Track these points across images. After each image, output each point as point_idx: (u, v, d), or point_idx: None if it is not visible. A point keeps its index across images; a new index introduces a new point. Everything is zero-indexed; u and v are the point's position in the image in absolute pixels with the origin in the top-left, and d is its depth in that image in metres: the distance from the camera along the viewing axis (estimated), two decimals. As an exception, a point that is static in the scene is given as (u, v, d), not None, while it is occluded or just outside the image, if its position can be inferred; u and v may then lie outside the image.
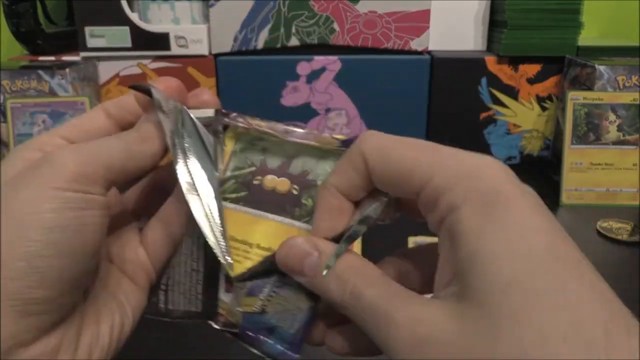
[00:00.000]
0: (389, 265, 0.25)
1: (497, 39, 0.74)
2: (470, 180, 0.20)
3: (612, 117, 0.66)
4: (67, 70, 0.65)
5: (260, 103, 0.73)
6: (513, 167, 0.21)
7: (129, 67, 0.71)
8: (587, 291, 0.18)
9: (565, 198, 0.66)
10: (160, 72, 0.71)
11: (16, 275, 0.19)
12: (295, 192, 0.26)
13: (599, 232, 0.58)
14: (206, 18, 0.71)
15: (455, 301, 0.19)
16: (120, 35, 0.69)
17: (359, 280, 0.22)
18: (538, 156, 0.77)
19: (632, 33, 0.89)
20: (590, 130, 0.66)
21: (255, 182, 0.27)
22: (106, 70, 0.72)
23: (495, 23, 0.75)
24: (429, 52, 0.74)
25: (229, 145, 0.27)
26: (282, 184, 0.27)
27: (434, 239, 0.22)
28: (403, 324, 0.20)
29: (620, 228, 0.59)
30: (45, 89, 0.65)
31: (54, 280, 0.20)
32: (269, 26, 0.70)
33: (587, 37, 0.77)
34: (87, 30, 0.69)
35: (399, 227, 0.28)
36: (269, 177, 0.27)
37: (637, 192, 0.66)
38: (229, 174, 0.27)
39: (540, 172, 0.74)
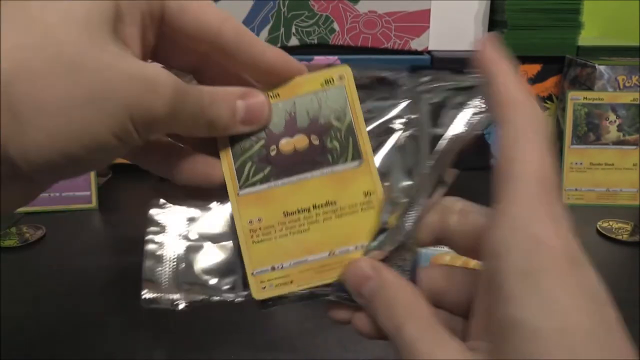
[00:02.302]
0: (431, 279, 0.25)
1: (497, 39, 0.74)
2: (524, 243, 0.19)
3: (612, 117, 0.66)
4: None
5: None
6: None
7: (129, 67, 0.71)
8: None
9: (565, 198, 0.66)
10: (160, 72, 0.71)
11: None
12: (316, 142, 0.25)
13: (599, 232, 0.58)
14: (206, 18, 0.71)
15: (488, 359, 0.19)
16: (120, 35, 0.69)
17: (405, 314, 0.22)
18: (538, 156, 0.77)
19: (632, 33, 0.89)
20: (590, 130, 0.66)
21: (271, 153, 0.25)
22: (106, 70, 0.72)
23: (495, 23, 0.75)
24: (429, 52, 0.74)
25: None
26: (299, 141, 0.25)
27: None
28: None
29: (620, 228, 0.59)
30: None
31: None
32: (268, 26, 0.70)
33: (587, 37, 0.77)
34: (87, 30, 0.69)
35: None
36: (283, 141, 0.25)
37: (637, 192, 0.66)
38: (240, 160, 0.25)
39: (540, 172, 0.74)
